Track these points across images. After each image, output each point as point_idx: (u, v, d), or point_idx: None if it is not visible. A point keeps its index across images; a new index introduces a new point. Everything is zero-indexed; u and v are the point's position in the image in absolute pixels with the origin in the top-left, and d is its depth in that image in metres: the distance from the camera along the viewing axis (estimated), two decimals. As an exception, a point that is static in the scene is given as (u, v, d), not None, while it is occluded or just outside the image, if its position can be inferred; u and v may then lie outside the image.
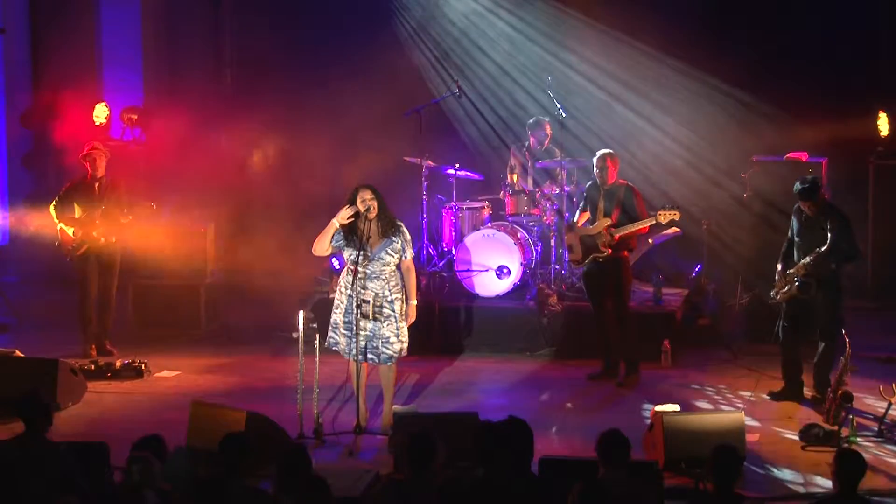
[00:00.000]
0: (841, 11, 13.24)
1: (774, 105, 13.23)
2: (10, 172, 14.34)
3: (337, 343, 8.99)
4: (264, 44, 14.68)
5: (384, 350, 8.90)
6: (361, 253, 8.74)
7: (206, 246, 12.70)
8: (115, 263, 11.39)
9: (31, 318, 12.68)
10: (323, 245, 8.91)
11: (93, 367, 10.64)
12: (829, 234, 9.29)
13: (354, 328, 8.80)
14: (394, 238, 8.86)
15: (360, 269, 8.76)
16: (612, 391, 10.31)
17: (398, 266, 8.94)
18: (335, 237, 8.88)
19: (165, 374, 10.84)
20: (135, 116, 14.02)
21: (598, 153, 10.49)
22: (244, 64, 14.99)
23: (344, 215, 8.79)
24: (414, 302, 8.97)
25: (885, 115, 12.90)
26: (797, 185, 9.57)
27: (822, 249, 9.32)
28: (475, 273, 11.89)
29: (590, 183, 10.68)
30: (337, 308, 8.99)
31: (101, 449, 7.42)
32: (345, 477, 7.35)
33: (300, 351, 8.72)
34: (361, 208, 8.79)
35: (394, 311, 8.89)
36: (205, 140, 14.05)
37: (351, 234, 8.84)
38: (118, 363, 10.71)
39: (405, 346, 8.99)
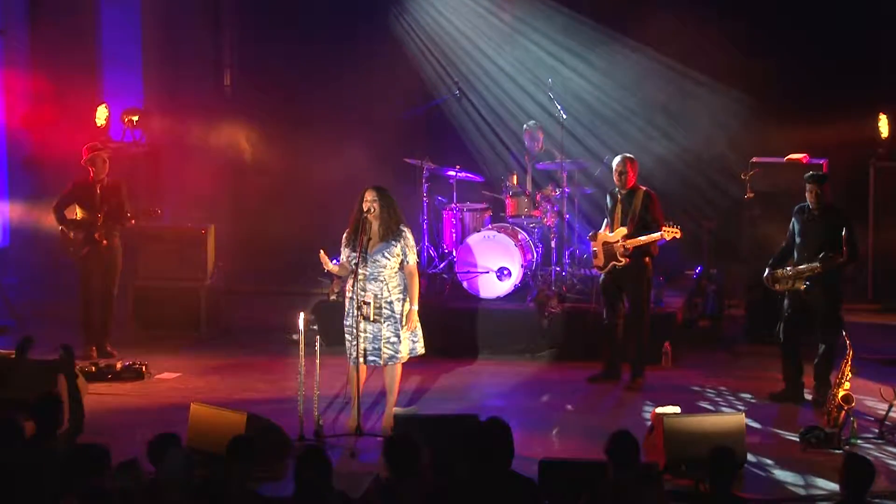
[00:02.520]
0: (841, 11, 13.25)
1: (774, 106, 13.24)
2: (10, 173, 14.31)
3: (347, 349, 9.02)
4: (264, 44, 14.69)
5: (386, 350, 8.89)
6: (360, 255, 8.74)
7: (206, 247, 12.70)
8: (116, 265, 11.37)
9: (32, 320, 12.66)
10: (339, 272, 9.13)
11: (93, 368, 10.63)
12: (844, 242, 9.30)
13: (354, 331, 8.82)
14: (393, 242, 8.86)
15: (359, 270, 8.77)
16: (612, 393, 10.30)
17: (401, 269, 8.94)
18: (341, 254, 8.96)
19: (166, 375, 10.83)
20: (135, 118, 14.00)
21: (618, 157, 10.35)
22: (244, 64, 15.00)
23: (325, 260, 9.02)
24: (414, 307, 8.95)
25: (885, 116, 12.91)
26: (808, 173, 9.70)
27: (842, 259, 9.35)
28: (476, 275, 11.88)
29: (610, 189, 10.54)
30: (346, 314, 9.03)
31: (102, 450, 7.41)
32: (345, 479, 7.34)
33: (301, 353, 8.71)
34: (364, 208, 8.82)
35: (393, 311, 8.88)
36: (205, 141, 14.05)
37: (355, 234, 8.86)
38: (119, 365, 10.70)
39: (419, 345, 9.04)
